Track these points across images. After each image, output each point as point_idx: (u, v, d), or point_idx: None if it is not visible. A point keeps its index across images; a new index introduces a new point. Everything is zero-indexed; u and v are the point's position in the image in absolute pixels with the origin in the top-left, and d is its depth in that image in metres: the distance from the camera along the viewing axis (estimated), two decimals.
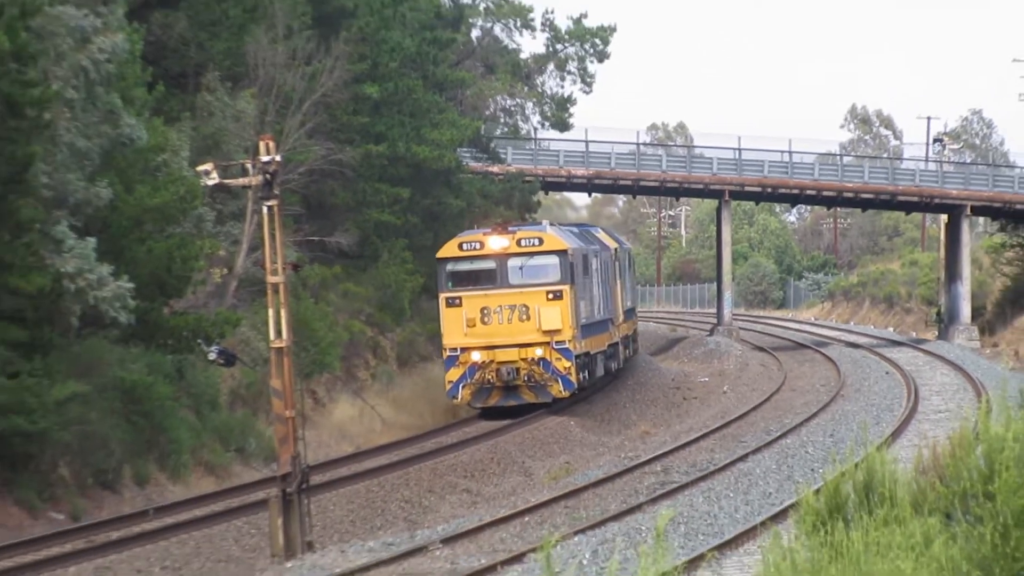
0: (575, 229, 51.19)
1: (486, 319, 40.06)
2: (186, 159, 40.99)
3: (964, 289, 72.87)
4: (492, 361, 40.06)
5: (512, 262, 40.73)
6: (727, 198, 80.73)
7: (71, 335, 36.62)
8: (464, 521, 27.95)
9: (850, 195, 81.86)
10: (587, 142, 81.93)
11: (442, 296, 41.74)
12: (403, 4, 63.13)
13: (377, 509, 32.62)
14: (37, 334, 34.48)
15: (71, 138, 34.74)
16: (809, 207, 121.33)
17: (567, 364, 39.69)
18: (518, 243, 40.87)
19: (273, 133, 38.41)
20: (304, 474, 26.05)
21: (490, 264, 40.97)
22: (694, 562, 19.64)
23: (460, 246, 42.03)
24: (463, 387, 40.14)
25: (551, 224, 47.92)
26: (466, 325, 40.24)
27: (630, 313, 61.12)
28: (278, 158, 26.45)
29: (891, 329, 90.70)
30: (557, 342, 39.69)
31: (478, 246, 41.35)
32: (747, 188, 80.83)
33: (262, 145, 26.28)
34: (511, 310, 40.08)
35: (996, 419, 11.05)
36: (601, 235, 56.71)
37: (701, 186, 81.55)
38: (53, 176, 34.27)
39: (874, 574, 9.55)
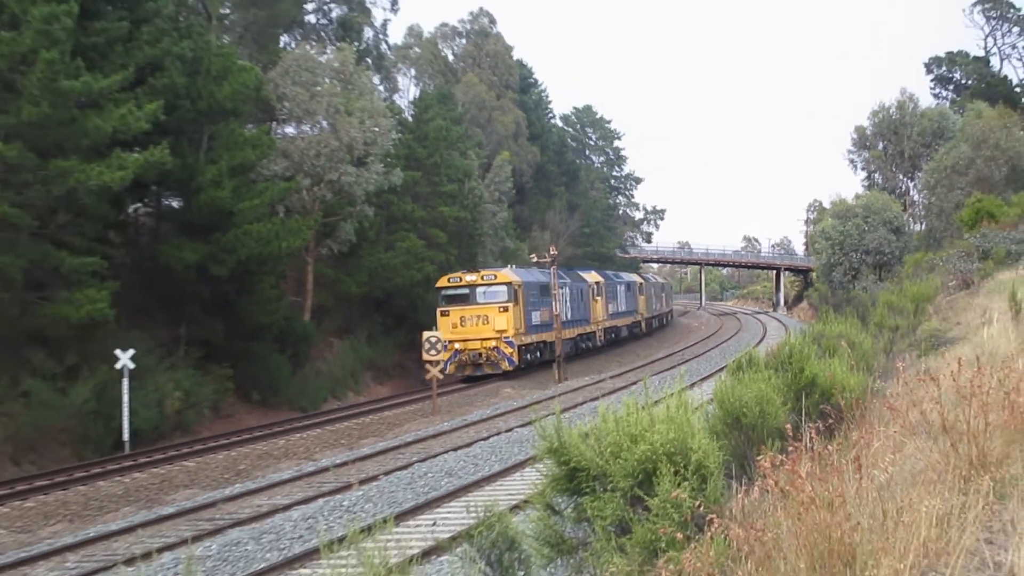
0: (538, 271, 71.44)
1: (463, 323, 61.50)
2: None
3: (780, 295, 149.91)
4: (466, 349, 61.16)
5: (479, 289, 62.01)
6: (702, 266, 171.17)
7: None
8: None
9: (744, 263, 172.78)
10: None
11: (439, 310, 62.25)
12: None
13: (580, 372, 66.03)
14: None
15: None
16: (730, 268, 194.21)
17: (511, 351, 61.12)
18: (482, 278, 62.35)
19: None
20: (560, 357, 62.48)
21: (465, 290, 62.25)
22: (695, 384, 43.81)
23: (448, 279, 63.20)
24: (451, 364, 59.19)
25: (512, 267, 71.24)
26: (451, 327, 60.50)
27: (617, 315, 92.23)
28: None
29: (758, 308, 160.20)
30: (506, 337, 60.93)
31: (459, 280, 62.91)
32: (707, 263, 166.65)
33: None
34: (477, 318, 61.46)
35: (791, 337, 21.94)
36: (590, 276, 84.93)
37: (693, 262, 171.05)
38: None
39: (751, 388, 15.46)
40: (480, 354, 60.44)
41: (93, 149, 43.53)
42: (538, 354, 67.02)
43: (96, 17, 46.80)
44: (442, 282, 63.00)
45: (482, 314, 61.03)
